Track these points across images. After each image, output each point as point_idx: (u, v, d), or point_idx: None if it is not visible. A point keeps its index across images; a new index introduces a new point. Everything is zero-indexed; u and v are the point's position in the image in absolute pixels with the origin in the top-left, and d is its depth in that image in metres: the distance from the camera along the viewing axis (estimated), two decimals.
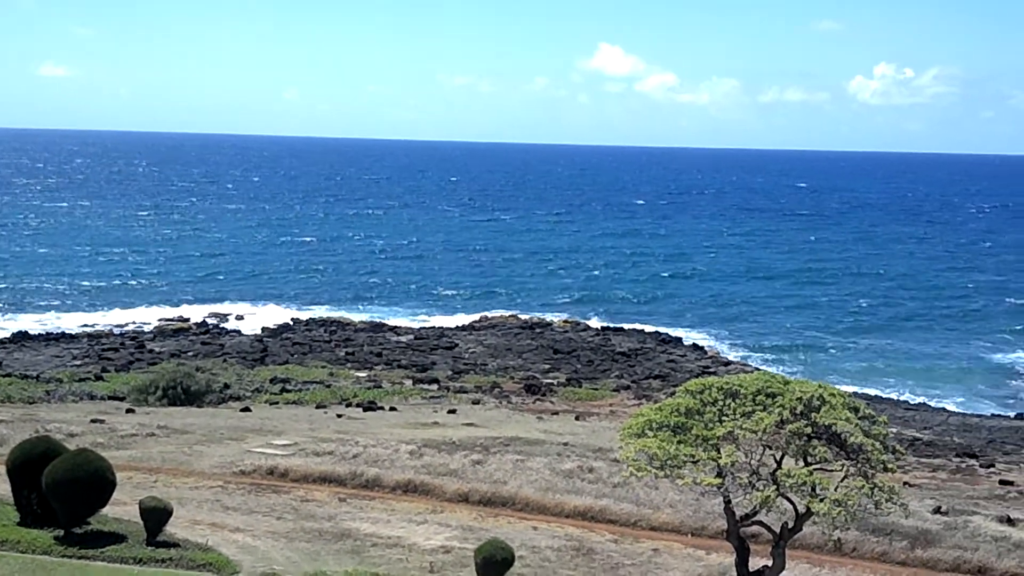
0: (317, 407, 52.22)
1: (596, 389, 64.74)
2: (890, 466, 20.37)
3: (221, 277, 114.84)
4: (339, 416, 48.33)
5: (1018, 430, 59.82)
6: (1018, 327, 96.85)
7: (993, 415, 66.79)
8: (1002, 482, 41.30)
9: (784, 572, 22.39)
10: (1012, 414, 67.53)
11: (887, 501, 20.10)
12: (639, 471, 20.64)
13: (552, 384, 65.75)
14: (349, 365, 70.69)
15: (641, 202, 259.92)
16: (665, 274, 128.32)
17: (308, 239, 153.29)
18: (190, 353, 72.53)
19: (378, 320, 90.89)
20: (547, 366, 73.13)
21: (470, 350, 78.43)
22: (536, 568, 25.54)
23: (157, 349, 74.38)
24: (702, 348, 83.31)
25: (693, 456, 20.44)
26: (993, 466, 46.77)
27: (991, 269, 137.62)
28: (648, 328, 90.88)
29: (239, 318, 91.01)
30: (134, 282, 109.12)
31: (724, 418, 20.87)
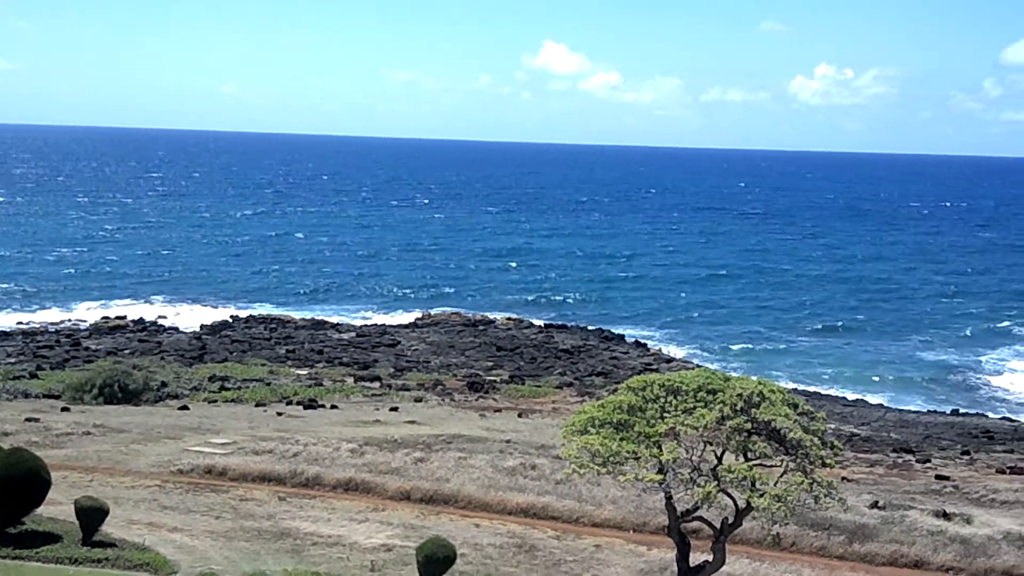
0: (256, 405, 51.67)
1: (539, 386, 64.77)
2: (828, 461, 20.59)
3: (159, 274, 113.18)
4: (279, 414, 47.91)
5: (953, 426, 60.83)
6: (955, 326, 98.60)
7: (929, 411, 67.86)
8: (938, 477, 41.91)
9: (724, 567, 22.55)
10: (947, 410, 68.71)
11: (825, 496, 20.32)
12: (581, 468, 20.68)
13: (495, 381, 65.68)
14: (290, 363, 70.04)
15: (585, 199, 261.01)
16: (609, 272, 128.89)
17: (248, 236, 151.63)
18: (127, 351, 71.40)
19: (320, 318, 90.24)
20: (490, 363, 73.05)
21: (413, 348, 78.12)
22: (478, 565, 25.49)
23: (93, 347, 73.17)
24: (645, 345, 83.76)
25: (635, 453, 20.51)
26: (929, 461, 47.49)
27: (931, 269, 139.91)
28: (591, 325, 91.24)
29: (177, 315, 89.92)
30: (70, 279, 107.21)
31: (666, 415, 20.96)
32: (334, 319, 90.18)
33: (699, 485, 20.24)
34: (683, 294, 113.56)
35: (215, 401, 53.29)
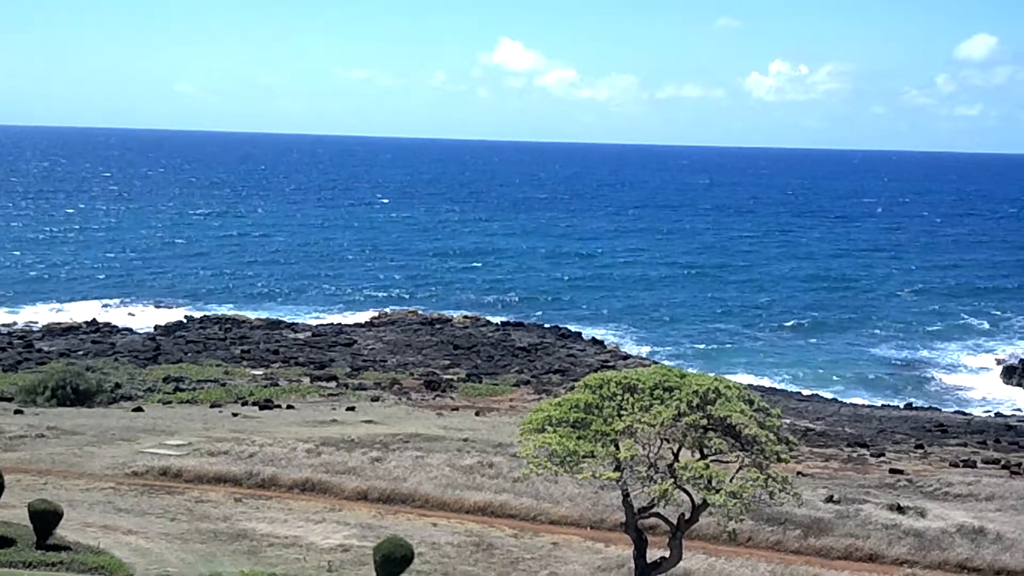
0: (212, 406, 51.21)
1: (496, 384, 64.76)
2: (783, 457, 20.74)
3: (113, 275, 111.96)
4: (234, 415, 47.51)
5: (907, 420, 61.56)
6: (909, 321, 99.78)
7: (883, 405, 68.65)
8: (892, 471, 42.38)
9: (681, 563, 22.67)
10: (901, 404, 69.58)
11: (781, 491, 20.47)
12: (539, 467, 20.68)
13: (452, 380, 65.59)
14: (245, 363, 69.52)
15: (544, 196, 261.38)
16: (567, 270, 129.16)
17: (203, 236, 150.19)
18: (80, 352, 70.54)
19: (275, 318, 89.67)
20: (447, 362, 72.95)
21: (369, 347, 77.84)
22: (436, 565, 25.44)
23: (46, 348, 72.21)
24: (602, 343, 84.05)
25: (592, 451, 20.56)
26: (883, 455, 48.00)
27: (886, 265, 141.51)
28: (549, 323, 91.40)
29: (131, 316, 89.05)
30: (22, 281, 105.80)
31: (622, 412, 21.01)
32: (290, 319, 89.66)
33: (656, 482, 20.31)
34: (641, 291, 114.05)
35: (170, 402, 52.76)
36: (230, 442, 37.10)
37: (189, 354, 71.93)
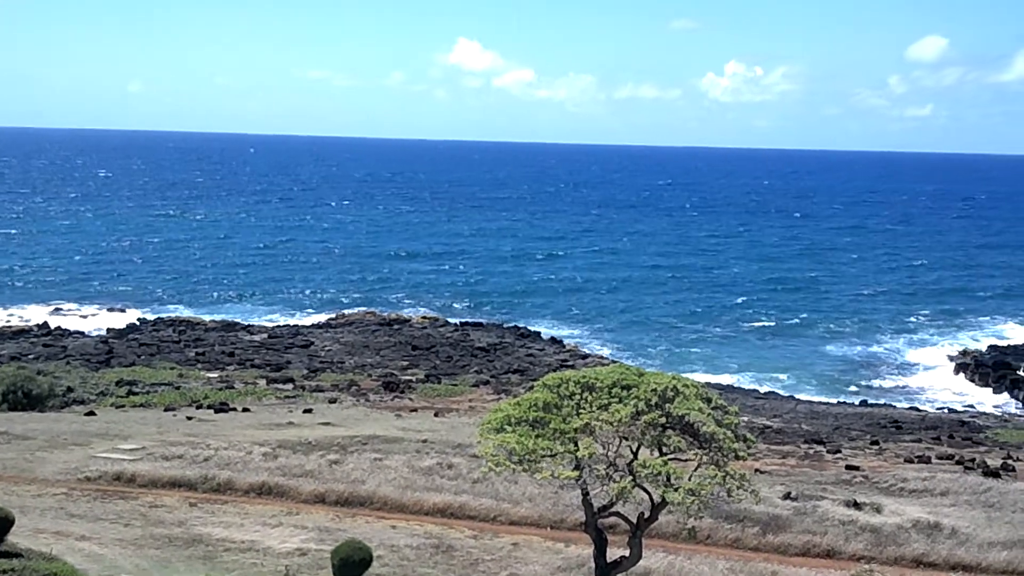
0: (166, 410, 50.61)
1: (455, 385, 64.58)
2: (741, 454, 20.76)
3: (64, 277, 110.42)
4: (189, 418, 46.97)
5: (862, 416, 62.11)
6: (865, 319, 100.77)
7: (839, 402, 69.21)
8: (848, 467, 42.66)
9: (641, 561, 22.64)
10: (856, 401, 70.20)
11: (739, 488, 20.48)
12: (498, 466, 20.57)
13: (411, 381, 65.31)
14: (200, 366, 68.81)
15: (504, 196, 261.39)
16: (526, 269, 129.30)
17: (158, 238, 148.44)
18: (31, 355, 69.46)
19: (231, 320, 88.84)
20: (405, 363, 72.65)
21: (326, 348, 77.34)
22: (395, 567, 25.26)
23: None
24: (561, 342, 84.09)
25: (551, 450, 20.48)
26: (839, 452, 48.34)
27: (842, 264, 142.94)
28: (507, 323, 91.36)
29: (83, 319, 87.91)
30: None
31: (581, 411, 20.94)
32: (245, 321, 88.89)
33: (615, 481, 20.26)
34: (601, 291, 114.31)
35: (123, 406, 52.08)
36: (184, 446, 36.66)
37: (142, 357, 71.11)
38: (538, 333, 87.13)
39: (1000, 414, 68.82)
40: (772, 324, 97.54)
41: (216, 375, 65.23)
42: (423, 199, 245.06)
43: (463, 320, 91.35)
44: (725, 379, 75.17)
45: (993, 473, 41.85)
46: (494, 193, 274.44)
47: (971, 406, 71.38)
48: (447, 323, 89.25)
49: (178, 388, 58.96)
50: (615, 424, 20.35)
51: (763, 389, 73.11)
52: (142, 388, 58.36)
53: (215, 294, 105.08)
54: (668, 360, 79.59)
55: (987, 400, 74.05)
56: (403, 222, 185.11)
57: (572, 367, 62.67)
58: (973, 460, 45.90)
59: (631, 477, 20.25)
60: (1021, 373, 77.85)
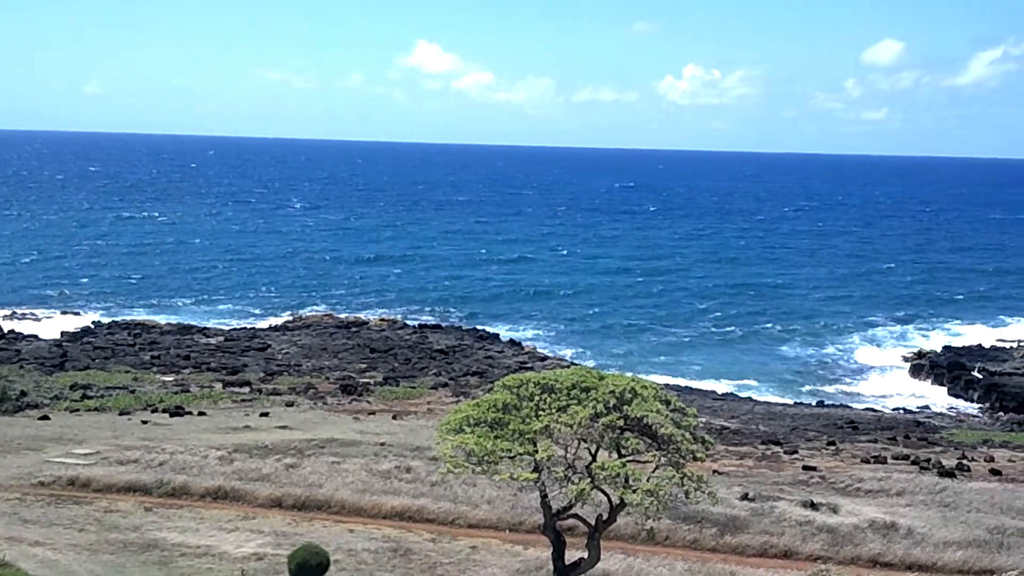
0: (120, 414, 49.97)
1: (414, 387, 64.32)
2: (699, 455, 20.81)
3: (17, 280, 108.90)
4: (144, 422, 46.43)
5: (819, 417, 62.58)
6: (822, 321, 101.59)
7: (796, 403, 69.74)
8: (805, 468, 42.88)
9: (599, 563, 22.61)
10: (813, 402, 70.76)
11: (696, 490, 20.52)
12: (456, 468, 20.47)
13: (369, 384, 64.99)
14: (155, 369, 68.09)
15: (464, 199, 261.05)
16: (485, 271, 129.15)
17: (114, 241, 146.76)
18: None
19: (186, 323, 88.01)
20: (363, 365, 72.30)
21: (283, 351, 76.79)
22: (352, 571, 25.08)
23: None
24: (520, 344, 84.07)
25: (510, 451, 20.41)
26: (796, 452, 48.60)
27: (799, 267, 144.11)
28: (466, 325, 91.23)
29: (37, 322, 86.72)
30: None
31: (540, 413, 20.89)
32: (201, 324, 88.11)
33: (573, 483, 20.22)
34: (561, 293, 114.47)
35: (77, 410, 51.40)
36: (140, 450, 36.23)
37: (97, 360, 70.26)
38: (497, 335, 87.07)
39: (955, 414, 69.70)
40: (731, 326, 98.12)
41: (172, 379, 64.55)
42: (382, 201, 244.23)
43: (422, 322, 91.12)
44: (684, 381, 75.49)
45: (948, 473, 42.28)
46: (454, 196, 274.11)
47: (926, 407, 72.20)
48: (405, 325, 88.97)
49: (133, 392, 58.30)
50: (574, 426, 20.32)
51: (721, 390, 73.53)
52: (97, 392, 57.65)
53: (171, 297, 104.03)
54: (628, 362, 79.81)
55: (942, 401, 74.95)
56: (362, 224, 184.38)
57: (531, 369, 62.65)
58: (928, 460, 46.32)
59: (590, 479, 20.23)
60: (975, 374, 78.83)
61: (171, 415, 49.49)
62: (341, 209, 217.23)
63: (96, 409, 51.83)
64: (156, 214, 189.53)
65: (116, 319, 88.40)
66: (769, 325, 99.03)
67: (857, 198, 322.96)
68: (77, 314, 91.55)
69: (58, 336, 79.83)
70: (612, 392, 20.68)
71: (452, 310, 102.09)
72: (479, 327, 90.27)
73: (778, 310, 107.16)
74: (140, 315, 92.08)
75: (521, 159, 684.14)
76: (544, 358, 77.43)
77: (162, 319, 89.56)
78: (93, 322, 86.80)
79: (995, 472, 43.73)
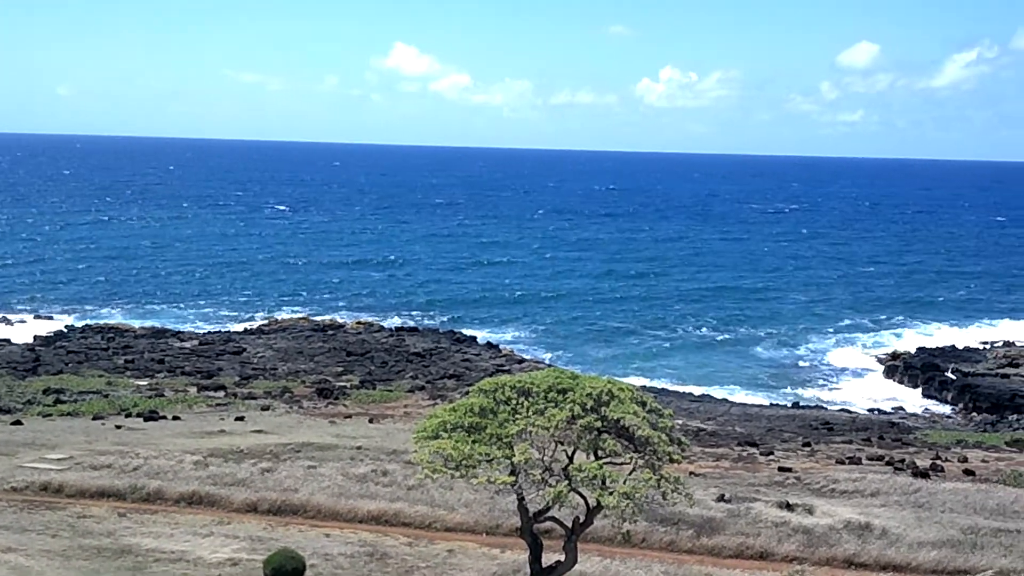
0: (94, 418, 49.64)
1: (390, 391, 64.18)
2: (676, 457, 20.81)
3: None
4: (118, 427, 46.13)
5: (794, 418, 62.84)
6: (796, 323, 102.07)
7: (772, 404, 70.04)
8: (781, 469, 43.05)
9: (576, 566, 22.59)
10: (789, 403, 71.05)
11: (673, 491, 20.53)
12: (434, 473, 20.41)
13: (345, 387, 64.81)
14: (129, 373, 67.64)
15: (441, 201, 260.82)
16: (462, 274, 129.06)
17: (88, 244, 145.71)
18: None
19: (160, 326, 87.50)
20: (340, 369, 72.08)
21: (259, 355, 76.46)
22: None
23: None
24: (497, 347, 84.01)
25: (487, 455, 20.34)
26: (772, 454, 48.79)
27: (779, 268, 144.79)
28: (443, 328, 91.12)
29: (9, 326, 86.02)
30: None
31: (517, 416, 20.84)
32: (176, 327, 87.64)
33: (551, 485, 20.18)
34: (539, 296, 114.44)
35: (50, 415, 51.02)
36: (113, 455, 35.96)
37: (70, 365, 69.74)
38: (474, 338, 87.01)
39: (929, 415, 70.17)
40: (708, 329, 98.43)
41: (146, 383, 64.16)
42: (359, 204, 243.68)
43: (398, 325, 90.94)
44: (661, 383, 75.63)
45: (922, 474, 42.55)
46: (432, 198, 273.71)
47: (900, 407, 72.65)
48: (382, 328, 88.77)
49: (107, 396, 57.93)
50: (551, 428, 20.29)
51: (698, 392, 73.74)
52: (70, 396, 57.24)
53: (145, 301, 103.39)
54: (606, 365, 79.87)
55: (916, 401, 75.47)
56: (339, 227, 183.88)
57: (508, 372, 62.67)
58: (903, 461, 46.59)
59: (567, 481, 20.20)
60: (949, 375, 79.37)
61: (145, 420, 49.20)
62: (318, 212, 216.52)
63: (69, 414, 51.48)
64: (129, 217, 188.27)
65: (90, 323, 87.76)
66: (745, 327, 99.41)
67: (834, 200, 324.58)
68: (50, 318, 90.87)
69: (31, 340, 79.18)
70: (589, 394, 20.66)
71: (430, 313, 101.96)
72: (456, 330, 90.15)
73: (755, 312, 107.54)
74: (114, 319, 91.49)
75: (500, 161, 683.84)
76: (521, 360, 77.44)
77: (136, 323, 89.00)
78: (66, 326, 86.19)
79: (968, 472, 44.03)
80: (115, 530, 28.05)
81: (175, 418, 50.24)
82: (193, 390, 61.94)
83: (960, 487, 37.86)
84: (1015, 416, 67.42)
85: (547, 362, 77.77)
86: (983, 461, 47.98)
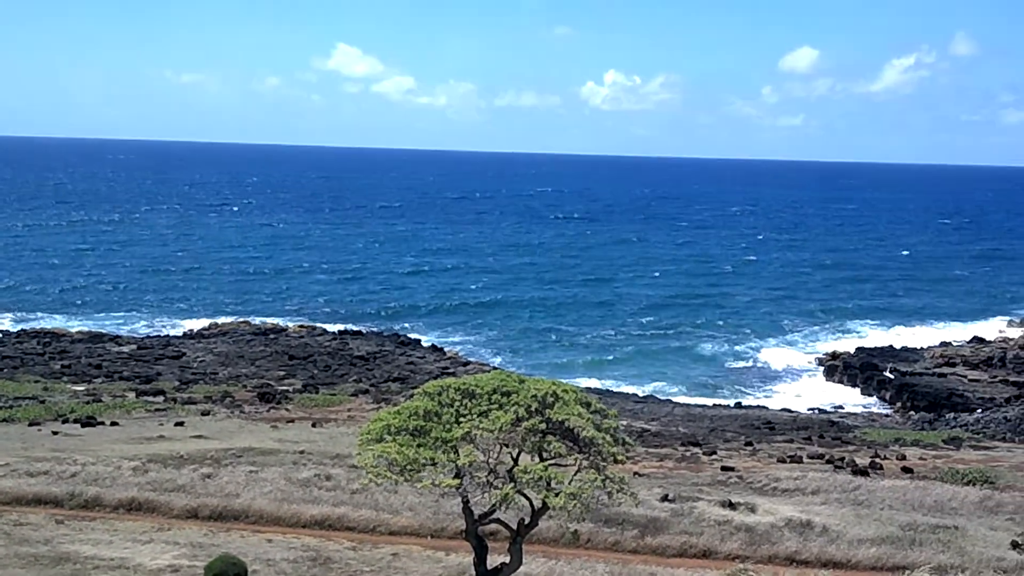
0: (30, 424, 48.67)
1: (334, 394, 63.71)
2: (620, 458, 20.85)
3: None
4: (55, 433, 45.29)
5: (737, 418, 63.39)
6: (738, 325, 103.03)
7: (715, 405, 70.60)
8: (723, 468, 43.39)
9: (521, 567, 22.56)
10: (731, 403, 71.68)
11: (618, 492, 20.56)
12: (379, 477, 20.25)
13: (287, 391, 64.21)
14: (65, 379, 66.45)
15: (383, 204, 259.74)
16: (406, 277, 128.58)
17: (20, 246, 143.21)
18: None
19: (97, 331, 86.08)
20: (282, 373, 71.42)
21: (199, 359, 75.52)
22: None
23: None
24: (442, 350, 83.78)
25: (432, 459, 20.22)
26: (715, 453, 49.17)
27: (721, 270, 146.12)
28: (387, 331, 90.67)
29: None
30: None
31: (462, 419, 20.75)
32: (113, 332, 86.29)
33: (496, 487, 20.12)
34: (484, 298, 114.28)
35: None
36: (50, 461, 35.29)
37: (5, 370, 68.35)
38: (418, 341, 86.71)
39: (867, 414, 71.20)
40: (652, 331, 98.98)
41: (83, 388, 63.06)
42: (302, 207, 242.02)
43: (341, 328, 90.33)
44: (605, 384, 75.95)
45: (861, 471, 43.13)
46: (376, 201, 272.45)
47: (840, 407, 73.63)
48: (325, 332, 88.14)
49: (43, 402, 56.80)
50: (496, 431, 20.23)
51: (642, 393, 74.12)
52: (5, 402, 56.05)
53: (82, 305, 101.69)
54: (551, 367, 79.99)
55: (855, 401, 76.55)
56: (282, 231, 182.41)
57: (453, 374, 62.54)
58: (842, 459, 47.21)
59: (512, 483, 20.16)
60: (887, 374, 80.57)
61: (83, 425, 48.34)
62: (261, 215, 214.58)
63: (5, 420, 50.37)
64: (63, 220, 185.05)
65: (25, 327, 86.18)
66: (689, 328, 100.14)
67: (777, 203, 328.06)
68: None
69: None
70: (533, 396, 20.64)
71: (374, 317, 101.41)
72: (400, 333, 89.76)
73: (699, 315, 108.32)
74: (50, 323, 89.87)
75: (444, 164, 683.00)
76: (466, 363, 77.32)
77: (73, 327, 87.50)
78: (1, 331, 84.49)
79: (907, 470, 44.72)
80: (53, 537, 27.52)
81: (113, 424, 49.44)
82: (132, 395, 60.98)
83: (899, 484, 38.42)
84: (952, 414, 68.67)
85: (491, 364, 77.70)
86: (921, 459, 48.76)
